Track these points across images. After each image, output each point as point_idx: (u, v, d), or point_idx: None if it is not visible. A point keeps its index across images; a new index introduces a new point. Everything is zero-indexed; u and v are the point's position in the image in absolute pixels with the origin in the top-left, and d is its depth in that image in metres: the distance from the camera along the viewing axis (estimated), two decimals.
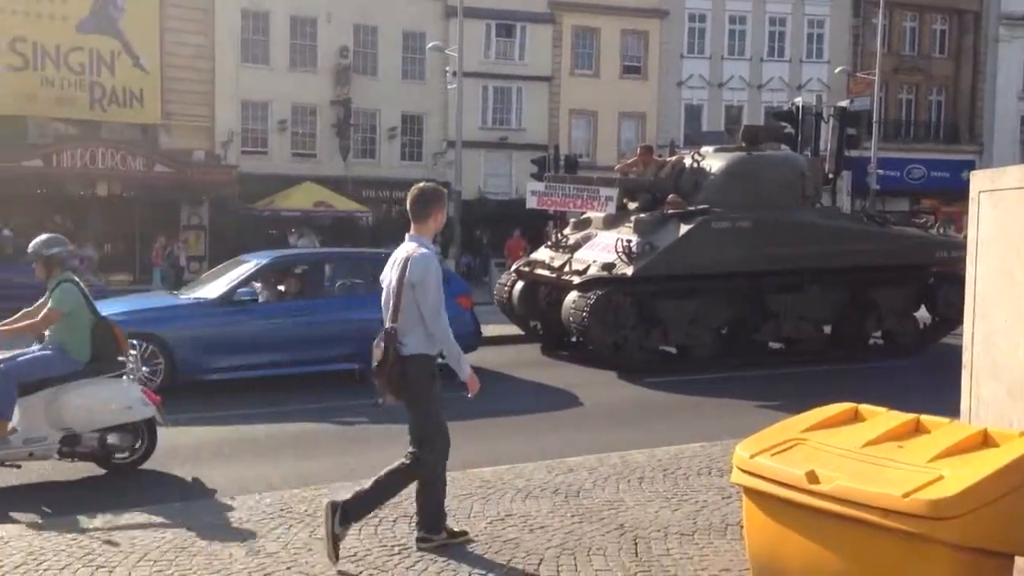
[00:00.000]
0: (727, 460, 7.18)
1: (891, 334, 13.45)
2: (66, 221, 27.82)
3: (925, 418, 4.53)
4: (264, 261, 11.25)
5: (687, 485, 6.47)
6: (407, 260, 4.91)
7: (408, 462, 5.13)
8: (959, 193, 26.72)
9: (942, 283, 13.53)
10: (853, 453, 4.29)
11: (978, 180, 4.95)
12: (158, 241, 26.25)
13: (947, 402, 10.01)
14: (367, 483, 5.13)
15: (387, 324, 5.03)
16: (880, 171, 33.68)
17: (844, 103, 20.08)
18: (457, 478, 6.61)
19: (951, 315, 13.55)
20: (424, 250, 4.94)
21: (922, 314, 13.84)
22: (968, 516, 3.72)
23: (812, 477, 4.13)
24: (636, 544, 5.22)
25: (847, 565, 4.06)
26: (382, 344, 5.00)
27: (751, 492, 4.50)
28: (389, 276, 5.08)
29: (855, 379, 11.70)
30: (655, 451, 7.48)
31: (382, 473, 5.13)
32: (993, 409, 4.67)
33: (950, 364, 12.80)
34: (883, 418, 4.65)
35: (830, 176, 15.84)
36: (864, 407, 4.81)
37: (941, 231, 14.21)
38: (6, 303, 17.61)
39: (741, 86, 38.93)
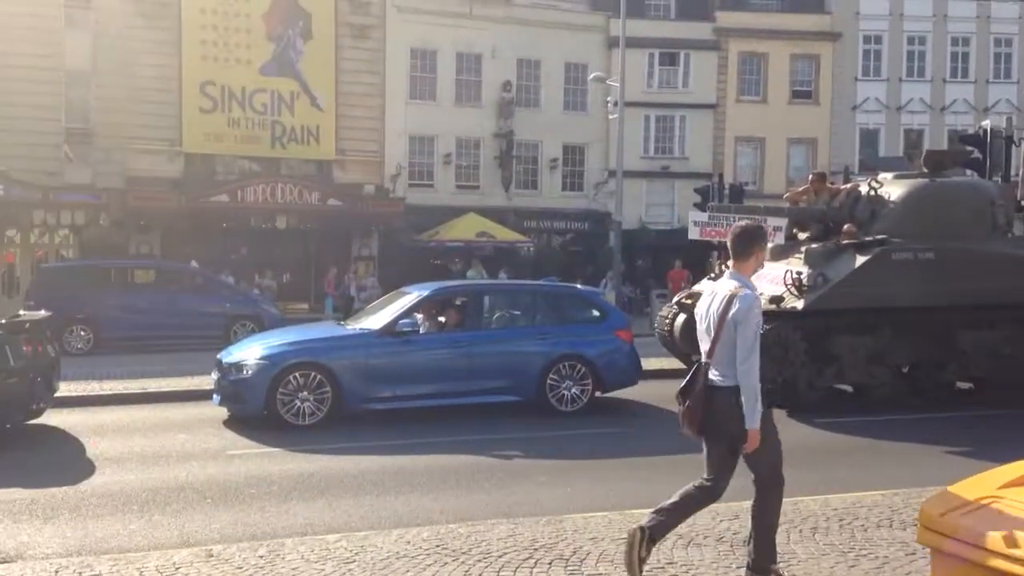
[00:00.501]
0: (910, 512, 6.62)
1: None
2: (250, 253, 29.54)
3: None
4: (425, 293, 11.44)
5: (865, 538, 5.99)
6: (731, 297, 5.00)
7: (700, 485, 5.19)
8: None
9: None
10: None
11: None
12: (330, 271, 27.38)
13: None
14: (665, 504, 5.17)
15: (703, 358, 5.12)
16: None
17: None
18: (615, 520, 6.41)
19: None
20: (747, 290, 5.04)
21: None
22: None
23: (1010, 540, 3.69)
24: None
25: None
26: (693, 376, 5.14)
27: (939, 554, 4.07)
28: (708, 309, 5.14)
29: None
30: (829, 498, 7.01)
31: (676, 496, 5.21)
32: None
33: None
34: None
35: (1023, 204, 14.60)
36: None
37: None
38: (197, 331, 19.01)
39: (921, 109, 36.90)
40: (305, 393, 10.18)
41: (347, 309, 23.41)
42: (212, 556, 5.65)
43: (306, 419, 10.18)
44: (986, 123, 17.16)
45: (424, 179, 32.69)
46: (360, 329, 11.08)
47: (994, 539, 3.73)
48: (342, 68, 31.05)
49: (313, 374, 10.23)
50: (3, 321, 9.99)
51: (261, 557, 5.62)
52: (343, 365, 10.37)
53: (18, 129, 26.54)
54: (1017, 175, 15.40)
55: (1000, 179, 13.94)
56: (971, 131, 18.67)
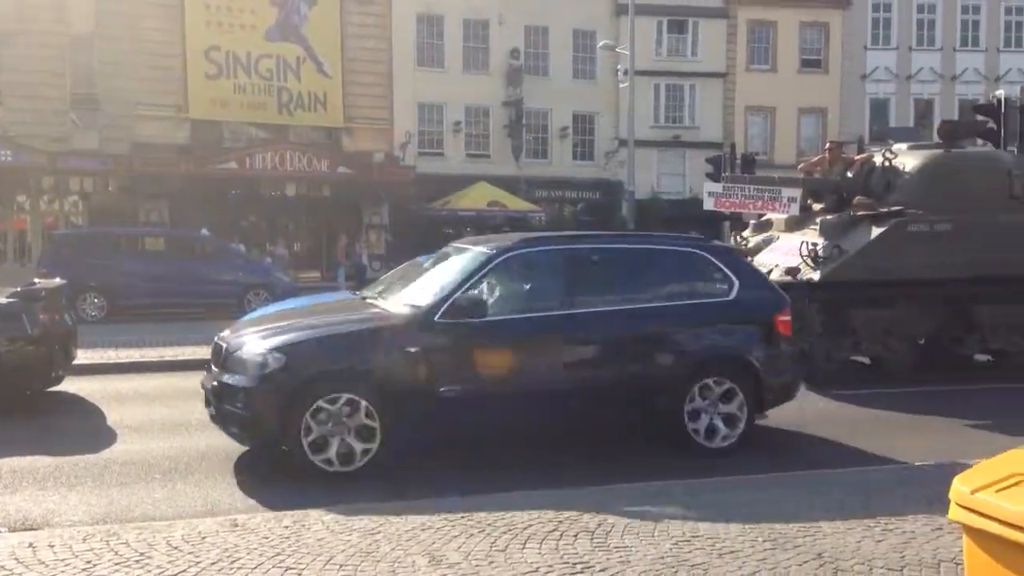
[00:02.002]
0: (932, 485, 6.62)
1: None
2: (260, 221, 29.53)
3: None
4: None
5: (891, 512, 5.99)
6: None
7: None
8: None
9: None
10: None
11: None
12: (341, 240, 27.40)
13: None
14: None
15: None
16: None
17: None
18: (641, 490, 6.41)
19: None
20: None
21: None
22: None
23: None
24: None
25: None
26: None
27: (973, 532, 4.07)
28: None
29: None
30: (851, 471, 7.02)
31: None
32: None
33: None
34: None
35: None
36: None
37: None
38: (207, 299, 19.05)
39: (932, 78, 36.61)
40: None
41: (359, 278, 23.44)
42: (237, 526, 5.68)
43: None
44: (1000, 92, 16.99)
45: (434, 147, 32.59)
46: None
47: None
48: (348, 33, 30.83)
49: None
50: (19, 289, 10.00)
51: (286, 527, 5.65)
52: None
53: (24, 95, 26.49)
54: None
55: (1016, 149, 13.78)
56: (982, 101, 18.50)
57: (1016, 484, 4.03)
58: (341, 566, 5.03)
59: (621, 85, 29.17)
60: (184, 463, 7.59)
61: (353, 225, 29.72)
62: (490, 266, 7.60)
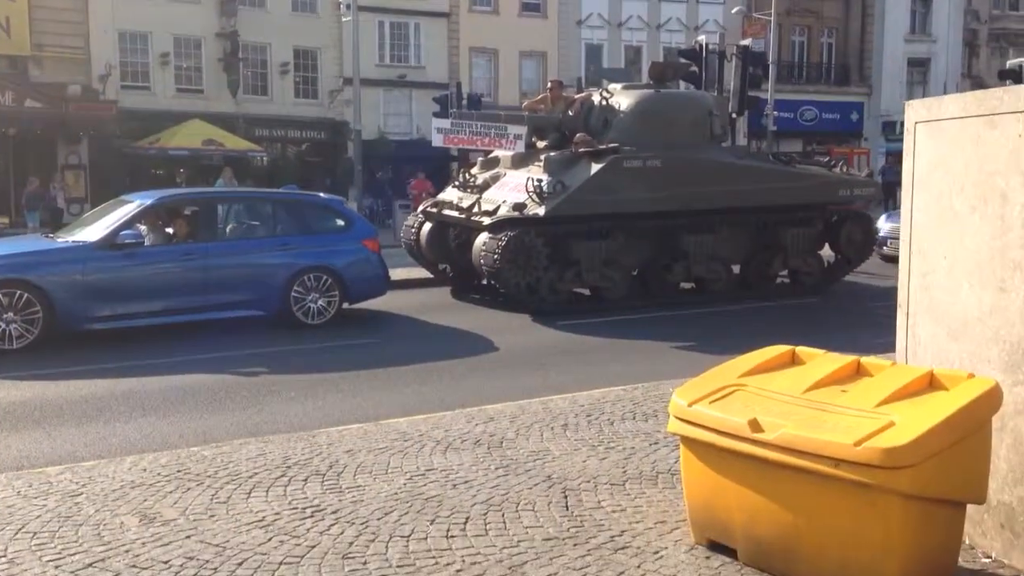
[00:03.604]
0: (650, 404, 7.02)
1: (797, 273, 13.55)
2: None
3: (866, 360, 4.36)
4: (149, 201, 10.46)
5: (612, 431, 6.25)
6: None
7: None
8: (850, 134, 27.81)
9: (845, 221, 13.69)
10: (796, 399, 4.09)
11: (914, 111, 4.75)
12: (32, 183, 24.52)
13: (858, 339, 10.14)
14: None
15: None
16: (775, 113, 34.13)
17: (747, 41, 20.03)
18: (371, 431, 6.25)
19: (853, 253, 13.77)
20: None
21: (826, 252, 13.99)
22: (923, 465, 3.56)
23: (755, 425, 3.91)
24: (566, 497, 4.95)
25: (793, 516, 3.88)
26: None
27: (690, 442, 4.27)
28: None
29: (764, 318, 11.78)
30: (576, 396, 7.25)
31: None
32: (931, 349, 4.53)
33: (854, 302, 13.13)
34: (822, 361, 4.46)
35: (733, 116, 15.75)
36: (801, 349, 4.62)
37: (844, 170, 14.33)
38: None
39: (640, 26, 38.75)
40: (11, 314, 9.05)
41: (55, 223, 21.15)
42: None
43: (13, 343, 9.07)
44: (702, 38, 18.25)
45: (139, 81, 29.93)
46: (73, 242, 9.96)
47: (739, 425, 3.94)
48: None
49: (19, 292, 9.10)
50: None
51: None
52: (55, 282, 9.30)
53: None
54: (728, 89, 16.55)
55: (717, 92, 14.87)
56: (683, 48, 19.79)
57: (729, 395, 4.26)
58: (35, 534, 4.45)
59: (344, 19, 28.20)
60: None
61: (48, 165, 26.75)
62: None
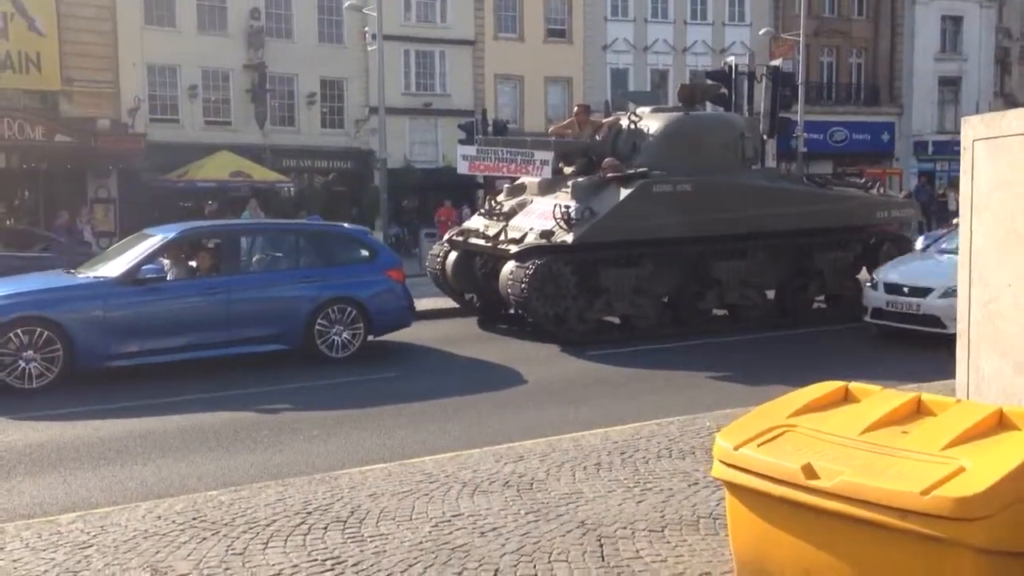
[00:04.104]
0: (686, 440, 6.68)
1: (835, 298, 13.13)
2: None
3: (927, 397, 4.02)
4: (172, 235, 10.30)
5: (648, 471, 5.92)
6: None
7: None
8: (880, 155, 27.37)
9: (883, 244, 13.28)
10: (853, 441, 3.75)
11: (972, 128, 4.44)
12: (61, 216, 24.62)
13: (907, 367, 9.73)
14: None
15: None
16: (804, 134, 33.72)
17: (777, 62, 19.73)
18: (395, 471, 5.96)
19: None
20: None
21: (864, 276, 13.55)
22: (999, 515, 3.21)
23: (810, 471, 3.58)
24: (602, 545, 4.63)
25: (850, 569, 3.54)
26: None
27: (736, 488, 3.94)
28: None
29: (801, 346, 11.40)
30: (609, 432, 6.93)
31: None
32: (996, 385, 4.19)
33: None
34: (879, 398, 4.13)
35: (764, 137, 15.45)
36: (855, 386, 4.28)
37: (881, 191, 13.94)
38: None
39: (666, 50, 38.56)
40: (30, 352, 8.88)
41: (78, 255, 21.13)
42: None
43: (33, 382, 8.90)
44: (731, 59, 17.98)
45: (168, 114, 30.13)
46: (95, 277, 9.82)
47: (792, 471, 3.62)
48: None
49: (39, 330, 8.94)
50: None
51: None
52: (75, 319, 9.13)
53: None
54: (758, 110, 16.24)
55: (747, 113, 14.57)
56: (713, 70, 19.50)
57: (778, 436, 3.93)
58: None
59: (369, 48, 28.24)
60: None
61: (78, 199, 26.91)
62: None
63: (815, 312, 13.24)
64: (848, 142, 40.33)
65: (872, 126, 40.98)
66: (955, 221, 18.43)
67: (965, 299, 4.41)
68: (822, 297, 13.24)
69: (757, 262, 12.37)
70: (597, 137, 13.00)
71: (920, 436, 3.69)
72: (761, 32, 34.45)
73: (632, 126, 12.66)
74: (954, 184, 39.64)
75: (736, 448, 3.91)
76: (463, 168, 13.18)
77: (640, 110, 13.14)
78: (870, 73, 42.19)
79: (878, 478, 3.43)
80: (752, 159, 13.36)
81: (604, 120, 13.56)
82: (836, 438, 3.81)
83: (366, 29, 28.89)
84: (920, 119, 41.55)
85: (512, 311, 12.36)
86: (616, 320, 12.11)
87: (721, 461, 3.99)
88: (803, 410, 4.13)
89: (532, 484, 5.67)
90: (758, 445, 3.89)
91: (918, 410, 3.99)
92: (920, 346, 10.59)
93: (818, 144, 37.69)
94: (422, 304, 12.64)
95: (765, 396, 8.38)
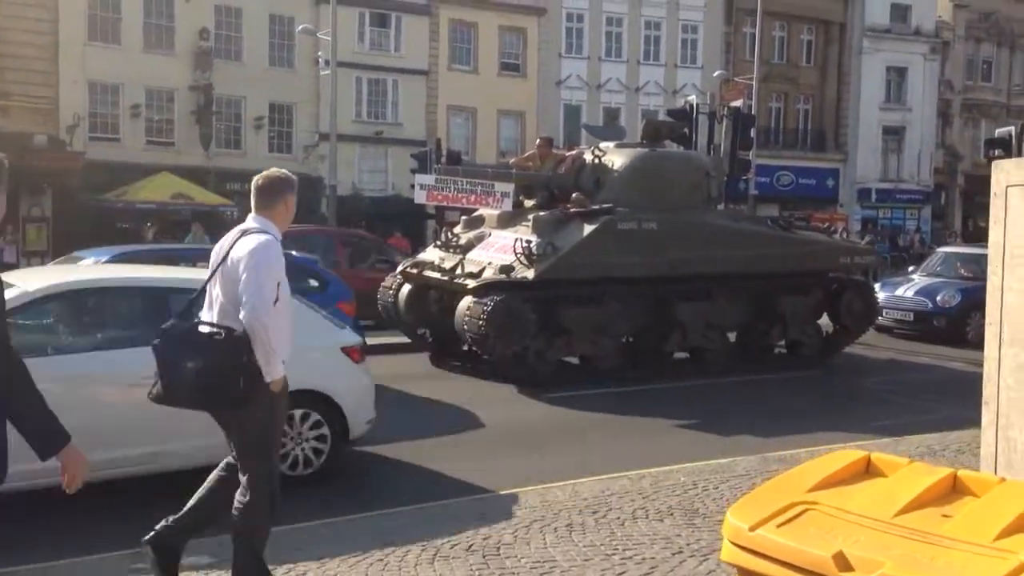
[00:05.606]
0: (662, 498, 6.15)
1: (796, 343, 12.81)
2: None
3: (964, 474, 3.57)
4: (104, 258, 9.53)
5: (625, 535, 5.38)
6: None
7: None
8: (825, 200, 27.53)
9: (845, 290, 13.03)
10: (886, 525, 3.27)
11: (1006, 173, 4.04)
12: None
13: (872, 418, 9.39)
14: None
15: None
16: (755, 177, 33.88)
17: (738, 103, 19.66)
18: (332, 534, 5.29)
19: (854, 323, 13.10)
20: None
21: (824, 322, 13.28)
22: None
23: (842, 562, 3.09)
24: None
25: None
26: None
27: (751, 574, 3.43)
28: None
29: (766, 392, 11.01)
30: (577, 487, 6.38)
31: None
32: None
33: (856, 375, 12.41)
34: (908, 473, 3.66)
35: (725, 178, 15.19)
36: (878, 457, 3.82)
37: (844, 236, 13.72)
38: None
39: (619, 88, 38.67)
40: None
41: None
42: None
43: None
44: (692, 98, 17.83)
45: (108, 132, 29.09)
46: None
47: (821, 560, 3.11)
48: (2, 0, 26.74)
49: None
50: None
51: None
52: None
53: None
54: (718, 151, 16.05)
55: (713, 152, 14.32)
56: (661, 113, 19.35)
57: (798, 516, 3.43)
58: None
59: (322, 73, 27.62)
60: None
61: (9, 217, 25.68)
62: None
63: (777, 357, 12.90)
64: (794, 186, 40.77)
65: (818, 171, 41.53)
66: (911, 268, 18.38)
67: (994, 361, 3.98)
68: (783, 342, 12.91)
69: (720, 304, 11.99)
70: (560, 171, 12.57)
71: (965, 522, 3.22)
72: (715, 74, 34.66)
73: (596, 160, 12.25)
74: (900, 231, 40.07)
75: (752, 529, 3.40)
76: (420, 198, 12.64)
77: (604, 145, 12.75)
78: (816, 120, 42.83)
79: (925, 572, 2.95)
80: (716, 199, 13.07)
81: (568, 153, 13.17)
82: (866, 520, 3.33)
83: (319, 54, 28.31)
84: (864, 166, 42.20)
85: (467, 348, 11.77)
86: (575, 360, 11.60)
87: (732, 543, 3.47)
88: (823, 484, 3.65)
89: (499, 548, 5.10)
90: (777, 526, 3.39)
91: (954, 488, 3.53)
92: (881, 399, 10.29)
93: (766, 187, 37.98)
94: (372, 338, 11.96)
95: (736, 446, 8.03)
